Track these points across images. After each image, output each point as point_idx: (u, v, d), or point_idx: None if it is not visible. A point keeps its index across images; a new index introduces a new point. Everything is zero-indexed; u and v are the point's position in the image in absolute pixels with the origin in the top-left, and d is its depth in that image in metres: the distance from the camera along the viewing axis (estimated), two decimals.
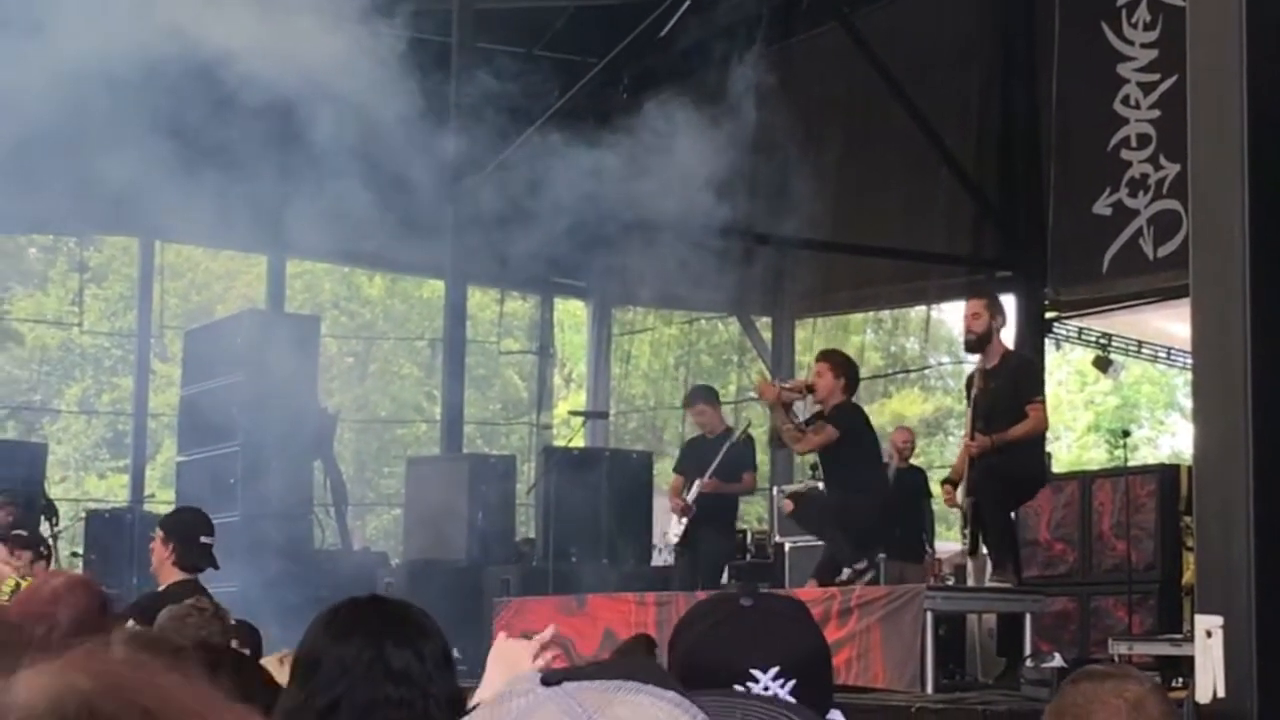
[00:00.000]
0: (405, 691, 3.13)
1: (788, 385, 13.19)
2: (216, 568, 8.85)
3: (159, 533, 8.77)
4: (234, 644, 8.32)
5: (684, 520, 14.34)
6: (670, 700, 1.33)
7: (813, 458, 21.20)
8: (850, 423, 12.24)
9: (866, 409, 26.52)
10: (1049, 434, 11.93)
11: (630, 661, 1.48)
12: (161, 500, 22.36)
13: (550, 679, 1.36)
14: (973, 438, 11.34)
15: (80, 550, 19.71)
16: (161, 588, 8.38)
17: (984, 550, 11.69)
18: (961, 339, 12.37)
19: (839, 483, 12.31)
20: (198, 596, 6.58)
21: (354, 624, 3.22)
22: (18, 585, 9.10)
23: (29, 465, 19.41)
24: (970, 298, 12.23)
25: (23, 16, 14.54)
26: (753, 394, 26.16)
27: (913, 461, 17.36)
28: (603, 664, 1.46)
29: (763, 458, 26.53)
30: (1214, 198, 7.23)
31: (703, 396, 15.44)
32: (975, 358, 11.90)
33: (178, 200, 17.39)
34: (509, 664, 3.53)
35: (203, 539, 8.70)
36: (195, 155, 16.75)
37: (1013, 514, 11.98)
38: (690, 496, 14.29)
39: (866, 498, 12.05)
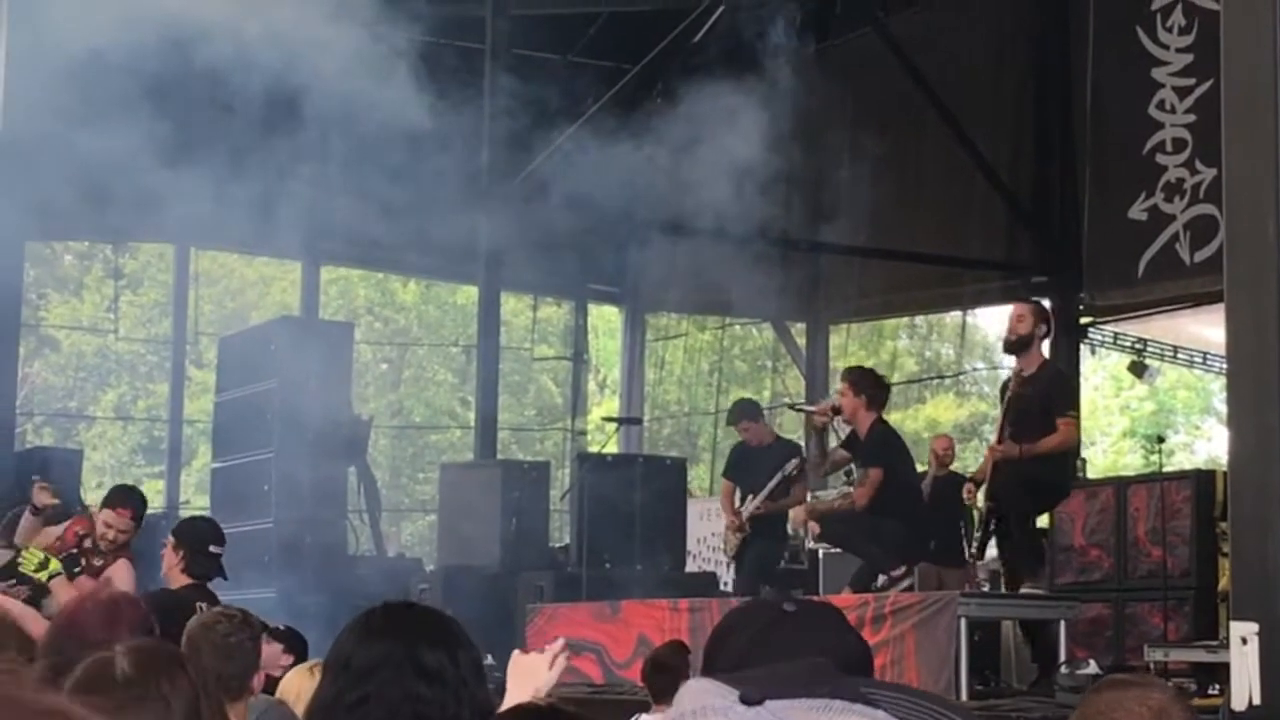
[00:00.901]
0: (437, 691, 3.12)
1: (815, 409, 13.15)
2: (225, 578, 8.91)
3: (171, 539, 8.95)
4: (279, 649, 8.40)
5: (738, 534, 14.40)
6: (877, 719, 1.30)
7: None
8: (887, 457, 12.20)
9: (901, 414, 26.57)
10: (1084, 438, 11.89)
11: (811, 667, 1.42)
12: (197, 506, 22.41)
13: (750, 698, 1.30)
14: (1000, 440, 11.31)
15: None
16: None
17: (990, 553, 11.70)
18: (1000, 343, 12.35)
19: (873, 506, 12.29)
20: (226, 606, 6.58)
21: (387, 626, 3.23)
22: (46, 559, 9.14)
23: (65, 471, 19.44)
24: (1017, 301, 12.25)
25: (48, 14, 14.63)
26: (786, 401, 26.17)
27: (951, 468, 17.35)
28: (781, 673, 1.40)
29: None
30: (1249, 202, 7.21)
31: (745, 413, 15.41)
32: (1011, 362, 11.88)
33: (213, 207, 17.45)
34: (526, 675, 3.55)
35: (212, 548, 8.82)
36: (230, 162, 16.80)
37: (1036, 521, 11.95)
38: (745, 513, 14.32)
39: (898, 521, 12.02)
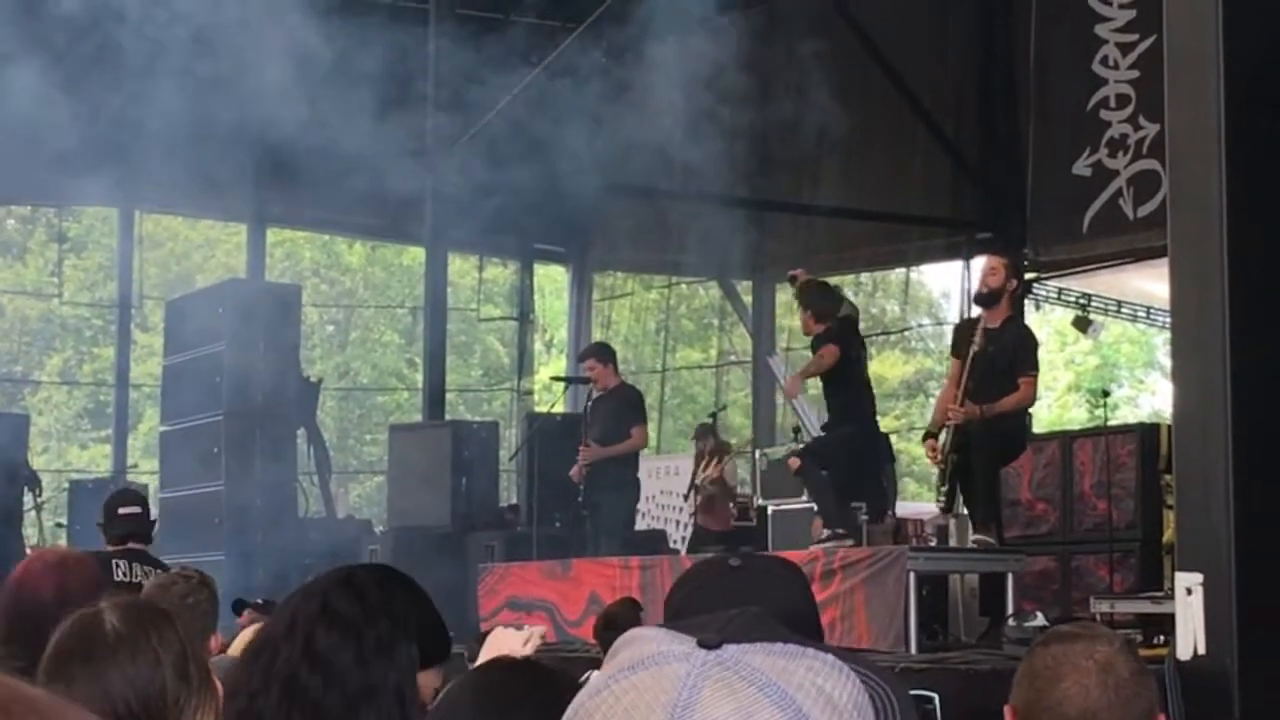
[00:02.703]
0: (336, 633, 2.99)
1: (800, 375, 13.54)
2: (145, 540, 8.94)
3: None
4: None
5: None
6: (831, 664, 1.31)
7: (793, 420, 21.29)
8: (842, 334, 12.45)
9: None
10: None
11: (749, 617, 1.43)
12: (145, 470, 22.38)
13: (709, 643, 1.30)
14: (962, 392, 11.36)
15: (64, 521, 19.72)
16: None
17: (961, 508, 11.74)
18: (947, 296, 12.44)
19: (838, 410, 12.53)
20: (184, 567, 6.61)
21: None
22: None
23: (11, 436, 19.40)
24: (989, 254, 12.35)
25: None
26: (734, 358, 26.24)
27: (891, 425, 17.51)
28: (717, 621, 1.39)
29: (745, 422, 26.63)
30: (1191, 157, 7.27)
31: (590, 353, 15.50)
32: (952, 317, 11.97)
33: (157, 169, 17.39)
34: (499, 646, 3.58)
35: (121, 510, 8.93)
36: (174, 124, 16.73)
37: (999, 474, 12.01)
38: (580, 461, 14.41)
39: (862, 426, 12.34)
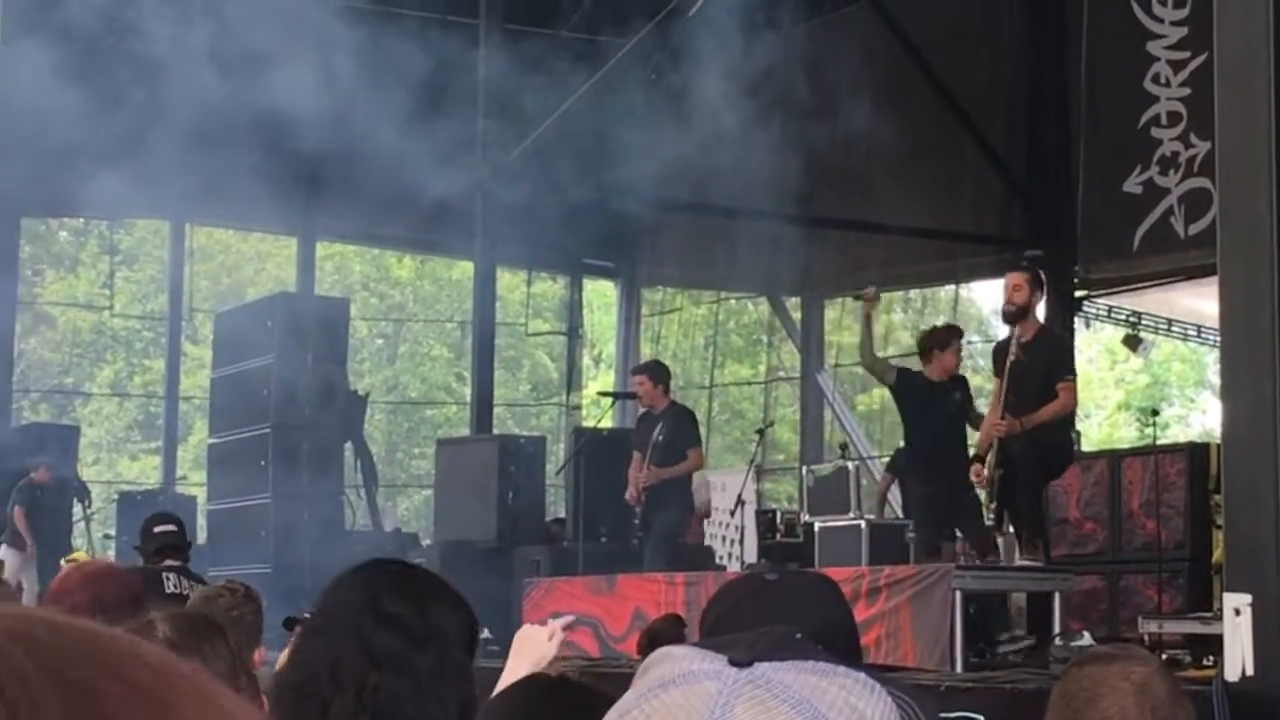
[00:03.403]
0: (394, 638, 2.99)
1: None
2: (181, 556, 8.94)
3: None
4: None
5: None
6: (863, 682, 1.28)
7: (841, 437, 21.24)
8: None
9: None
10: (1079, 412, 11.87)
11: (774, 637, 1.41)
12: (193, 482, 22.48)
13: (739, 660, 1.28)
14: (1003, 409, 11.32)
15: (113, 532, 19.82)
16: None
17: (1009, 526, 11.68)
18: (995, 315, 12.32)
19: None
20: (229, 579, 6.62)
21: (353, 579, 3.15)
22: None
23: (61, 447, 19.52)
24: (1011, 270, 12.22)
25: None
26: (782, 374, 26.19)
27: None
28: (741, 640, 1.38)
29: (793, 438, 26.58)
30: (1242, 175, 7.23)
31: (642, 369, 15.40)
32: (1005, 331, 11.91)
33: (208, 183, 17.46)
34: (527, 648, 3.57)
35: (156, 529, 8.99)
36: (225, 138, 16.81)
37: (1044, 491, 11.95)
38: (639, 484, 14.35)
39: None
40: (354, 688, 2.92)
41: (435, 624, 3.05)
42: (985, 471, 11.44)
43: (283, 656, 3.29)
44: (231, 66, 15.64)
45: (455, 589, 3.21)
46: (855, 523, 13.29)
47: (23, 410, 25.43)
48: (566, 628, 3.66)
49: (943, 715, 5.42)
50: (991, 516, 11.61)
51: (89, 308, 32.74)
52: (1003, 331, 13.02)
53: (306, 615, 3.27)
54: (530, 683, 3.01)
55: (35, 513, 18.49)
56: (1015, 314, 11.57)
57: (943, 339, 12.82)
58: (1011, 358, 11.40)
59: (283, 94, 16.68)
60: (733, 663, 1.28)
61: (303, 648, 3.06)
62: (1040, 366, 11.31)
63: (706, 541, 18.59)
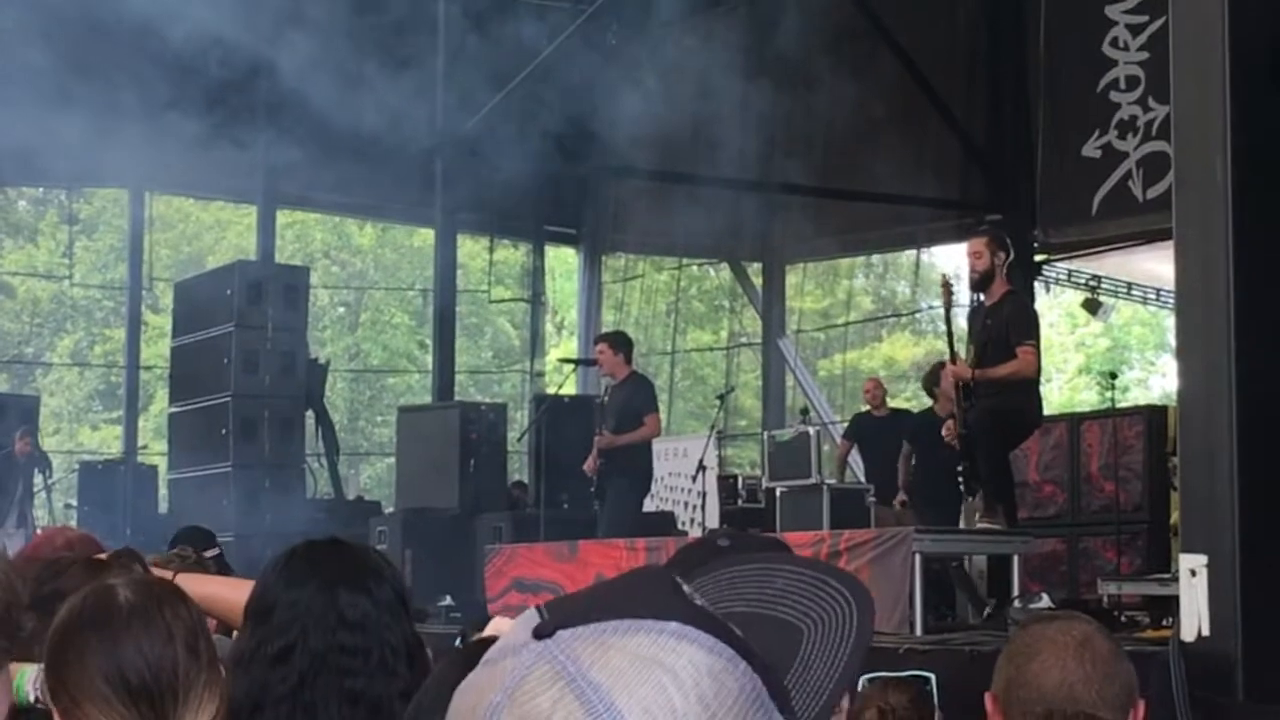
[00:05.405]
0: (361, 639, 3.11)
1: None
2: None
3: None
4: None
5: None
6: (671, 633, 1.25)
7: (802, 402, 21.30)
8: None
9: (858, 353, 26.58)
10: (1041, 376, 11.80)
11: (633, 581, 1.38)
12: (155, 451, 22.42)
13: (543, 630, 1.26)
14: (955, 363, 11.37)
15: (74, 502, 19.77)
16: None
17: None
18: (960, 278, 12.24)
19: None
20: (181, 546, 6.61)
21: (308, 570, 3.20)
22: None
23: (22, 418, 19.46)
24: (971, 237, 12.07)
25: None
26: (744, 340, 26.22)
27: (901, 405, 17.62)
28: (604, 591, 1.33)
29: (755, 403, 26.64)
30: (1198, 139, 7.26)
31: (605, 338, 15.33)
32: (966, 302, 11.88)
33: (167, 151, 17.39)
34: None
35: (206, 554, 8.86)
36: (185, 107, 16.75)
37: (1008, 455, 11.93)
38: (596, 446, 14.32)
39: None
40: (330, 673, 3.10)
41: (384, 602, 3.19)
42: (956, 429, 11.43)
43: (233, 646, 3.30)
44: (191, 34, 15.57)
45: (389, 565, 3.34)
46: (816, 487, 13.34)
47: None
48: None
49: (893, 674, 5.46)
50: (963, 484, 11.61)
51: (48, 277, 32.59)
52: (962, 297, 13.05)
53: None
54: (483, 644, 3.03)
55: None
56: (980, 281, 11.50)
57: (937, 376, 13.10)
58: (978, 325, 11.40)
59: (242, 62, 16.64)
60: (536, 633, 1.26)
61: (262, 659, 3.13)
62: (1000, 329, 11.26)
63: (667, 507, 18.65)
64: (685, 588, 1.34)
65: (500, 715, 1.23)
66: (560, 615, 1.27)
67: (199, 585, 3.09)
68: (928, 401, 14.75)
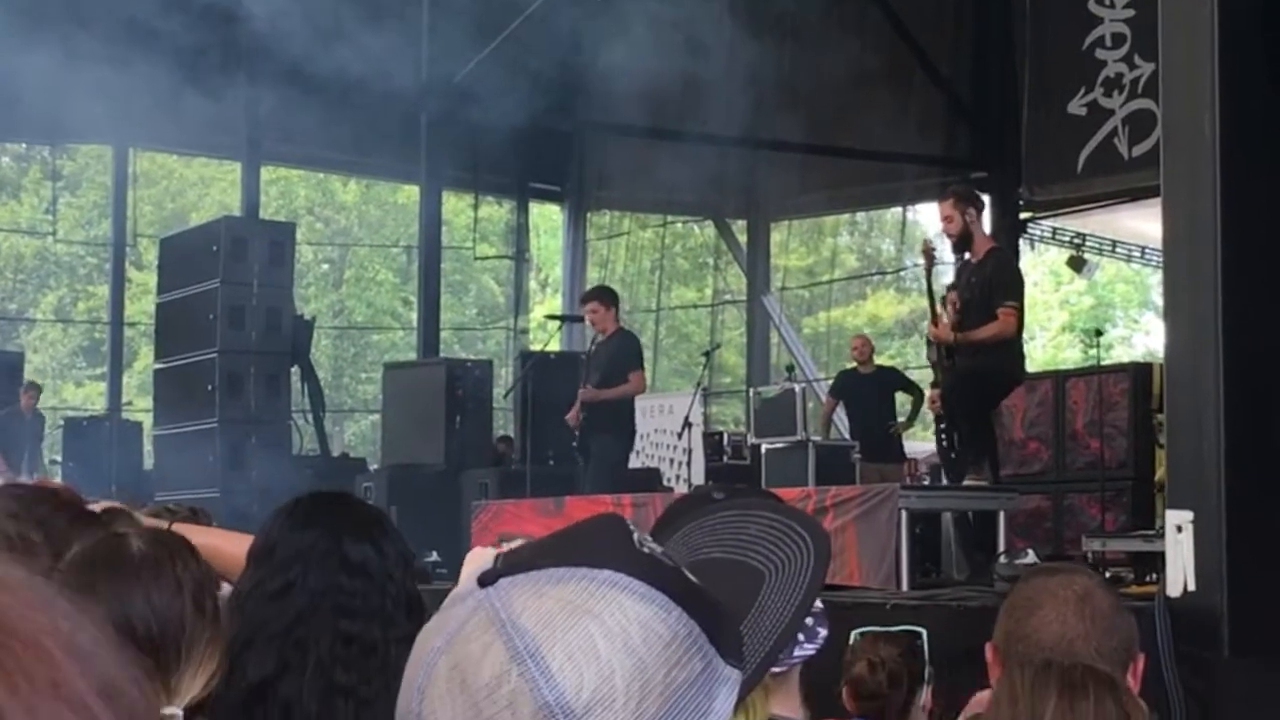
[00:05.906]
0: (361, 583, 3.11)
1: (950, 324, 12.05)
2: None
3: None
4: None
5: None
6: (603, 580, 1.28)
7: (787, 359, 21.29)
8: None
9: (843, 310, 26.56)
10: (1024, 334, 11.75)
11: (584, 529, 1.40)
12: (139, 408, 22.41)
13: (487, 577, 1.30)
14: (936, 323, 11.34)
15: (58, 458, 19.77)
16: None
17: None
18: (941, 235, 12.13)
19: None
20: (175, 503, 6.60)
21: (314, 515, 3.22)
22: None
23: (6, 374, 19.45)
24: (940, 202, 11.99)
25: None
26: (729, 297, 26.22)
27: (886, 363, 17.64)
28: (553, 539, 1.37)
29: (738, 360, 26.66)
30: (1185, 96, 7.25)
31: (593, 295, 15.21)
32: (951, 260, 11.84)
33: (151, 107, 17.33)
34: (479, 570, 3.59)
35: None
36: (169, 62, 16.68)
37: (989, 413, 11.92)
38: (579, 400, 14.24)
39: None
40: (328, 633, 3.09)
41: (389, 565, 3.20)
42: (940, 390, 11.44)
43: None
44: None
45: (394, 526, 3.36)
46: (802, 444, 13.37)
47: None
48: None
49: (885, 629, 5.47)
50: (944, 440, 11.60)
51: (32, 234, 32.51)
52: (946, 255, 13.01)
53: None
54: None
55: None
56: (959, 244, 11.45)
57: None
58: (962, 283, 11.37)
59: (225, 18, 16.57)
60: (480, 580, 1.31)
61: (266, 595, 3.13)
62: (982, 288, 11.21)
63: (653, 463, 18.68)
64: (635, 535, 1.37)
65: (439, 660, 1.28)
66: (509, 563, 1.32)
67: (198, 536, 3.09)
68: (910, 358, 14.75)
